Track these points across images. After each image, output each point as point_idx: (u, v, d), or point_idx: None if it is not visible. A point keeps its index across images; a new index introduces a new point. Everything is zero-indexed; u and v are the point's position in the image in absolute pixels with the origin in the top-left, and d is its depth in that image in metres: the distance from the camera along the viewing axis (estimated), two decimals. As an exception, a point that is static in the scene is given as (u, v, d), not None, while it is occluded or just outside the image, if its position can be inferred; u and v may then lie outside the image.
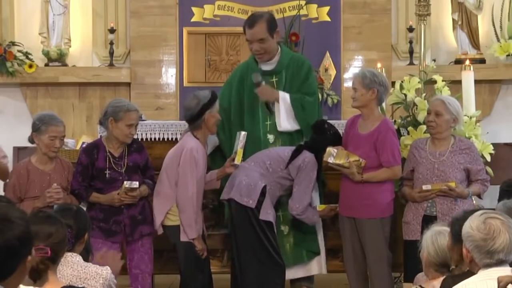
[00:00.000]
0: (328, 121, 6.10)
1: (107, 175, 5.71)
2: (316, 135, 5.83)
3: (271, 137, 6.03)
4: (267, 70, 6.08)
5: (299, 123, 5.99)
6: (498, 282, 3.03)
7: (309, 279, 6.09)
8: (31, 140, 5.75)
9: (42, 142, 5.65)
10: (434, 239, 4.08)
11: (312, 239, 5.98)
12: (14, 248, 2.23)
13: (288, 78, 6.03)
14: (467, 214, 3.69)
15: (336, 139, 5.83)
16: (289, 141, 6.00)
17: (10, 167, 6.19)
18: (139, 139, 6.35)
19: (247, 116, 6.06)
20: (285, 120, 5.96)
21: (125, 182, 5.65)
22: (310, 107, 6.01)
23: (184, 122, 6.04)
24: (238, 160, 5.84)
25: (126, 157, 5.76)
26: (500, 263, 3.19)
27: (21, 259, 2.27)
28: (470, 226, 3.23)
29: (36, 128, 5.67)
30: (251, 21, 6.01)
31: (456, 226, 3.74)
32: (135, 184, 5.66)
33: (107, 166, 5.72)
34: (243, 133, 5.90)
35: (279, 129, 5.99)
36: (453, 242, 3.80)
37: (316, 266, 6.00)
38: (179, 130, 6.35)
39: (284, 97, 5.96)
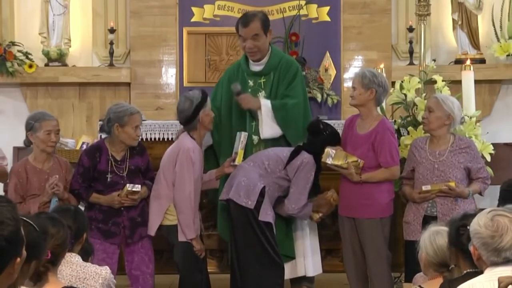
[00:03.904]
0: (326, 120, 6.09)
1: (108, 179, 5.70)
2: (312, 137, 5.82)
3: (255, 138, 6.03)
4: (256, 71, 6.09)
5: (284, 127, 5.98)
6: (499, 283, 3.03)
7: (309, 279, 6.09)
8: (27, 142, 5.75)
9: (39, 139, 5.66)
10: (432, 239, 4.08)
11: (289, 243, 5.97)
12: (1, 248, 2.22)
13: (276, 80, 6.04)
14: (465, 216, 3.68)
15: (333, 139, 5.81)
16: (275, 142, 6.00)
17: (9, 168, 6.19)
18: (139, 139, 6.33)
19: (235, 116, 6.07)
20: (268, 128, 5.96)
21: (127, 185, 5.64)
22: (293, 110, 5.99)
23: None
24: (239, 160, 5.84)
25: (128, 160, 5.75)
26: (507, 262, 3.18)
27: (9, 261, 2.25)
28: (478, 223, 3.22)
29: (30, 126, 5.68)
30: (246, 18, 6.04)
31: (452, 228, 3.74)
32: (138, 187, 5.65)
33: (109, 169, 5.71)
34: (243, 133, 5.90)
35: (262, 137, 5.99)
36: (448, 244, 3.80)
37: (289, 270, 5.95)
38: (178, 130, 6.35)
39: (266, 104, 5.97)
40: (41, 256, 2.66)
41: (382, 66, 7.21)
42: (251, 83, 6.08)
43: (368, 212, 5.69)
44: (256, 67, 6.10)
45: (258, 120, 6.00)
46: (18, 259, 2.28)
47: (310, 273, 6.04)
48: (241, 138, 5.88)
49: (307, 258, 6.02)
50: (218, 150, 6.13)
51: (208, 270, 5.96)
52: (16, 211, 2.31)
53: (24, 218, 2.66)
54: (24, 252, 2.31)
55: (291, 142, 5.98)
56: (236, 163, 5.85)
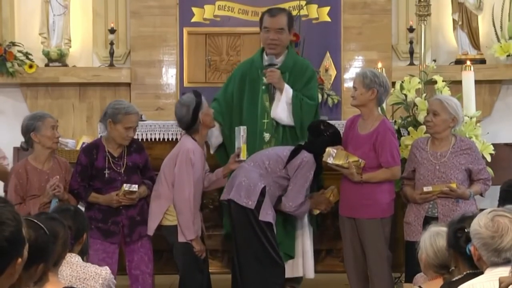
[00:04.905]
0: (327, 121, 6.09)
1: (106, 175, 5.70)
2: (313, 137, 5.82)
3: (267, 136, 6.04)
4: (269, 65, 6.07)
5: (295, 119, 5.99)
6: (500, 283, 3.02)
7: (296, 280, 6.08)
8: (26, 145, 5.74)
9: (45, 136, 5.66)
10: (432, 241, 4.07)
11: (290, 242, 5.97)
12: (2, 249, 2.21)
13: (291, 81, 6.05)
14: (462, 219, 3.68)
15: (334, 139, 5.81)
16: (284, 140, 6.01)
17: (10, 168, 6.20)
18: (139, 140, 6.34)
19: (246, 113, 6.06)
20: (282, 110, 5.98)
21: (124, 185, 5.64)
22: (307, 108, 6.02)
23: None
24: (243, 155, 5.81)
25: (125, 157, 5.76)
26: (507, 262, 3.17)
27: (10, 261, 2.24)
28: (478, 223, 3.22)
29: (33, 127, 5.67)
30: (273, 10, 6.14)
31: (450, 230, 3.73)
32: (134, 187, 5.65)
33: (106, 166, 5.71)
34: (242, 127, 5.88)
35: (272, 116, 5.99)
36: (447, 246, 3.79)
37: (289, 269, 5.95)
38: (179, 131, 6.34)
39: (288, 90, 5.99)
40: (49, 259, 2.65)
41: (380, 65, 7.21)
42: (265, 80, 6.07)
43: (369, 212, 5.69)
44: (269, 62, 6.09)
45: (271, 115, 6.01)
46: (20, 260, 2.27)
47: (310, 275, 6.03)
48: (241, 132, 5.87)
49: (307, 260, 6.02)
50: (228, 145, 6.10)
51: (209, 271, 5.95)
52: (17, 212, 2.30)
53: (35, 221, 2.66)
54: (25, 253, 2.30)
55: (300, 138, 5.97)
56: (241, 158, 5.84)
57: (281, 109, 5.98)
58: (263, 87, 6.08)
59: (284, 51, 6.11)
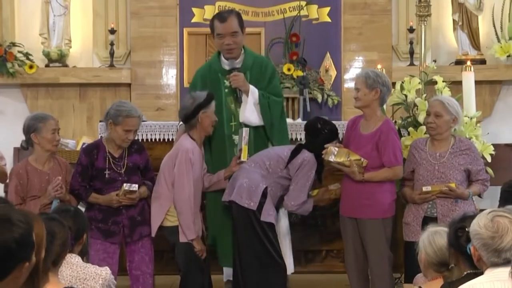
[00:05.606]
0: (323, 117, 6.08)
1: (106, 175, 5.70)
2: (311, 137, 5.82)
3: (236, 138, 6.02)
4: (232, 70, 6.05)
5: (264, 118, 5.98)
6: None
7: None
8: (26, 145, 5.73)
9: (45, 139, 5.65)
10: (431, 239, 4.08)
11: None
12: (10, 250, 2.18)
13: (253, 79, 6.03)
14: (463, 218, 3.67)
15: (333, 135, 5.82)
16: (257, 140, 5.99)
17: (9, 168, 6.19)
18: (140, 140, 6.34)
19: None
20: (250, 112, 5.95)
21: (124, 185, 5.64)
22: (275, 106, 6.02)
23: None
24: (244, 156, 5.82)
25: (126, 157, 5.76)
26: (507, 262, 3.17)
27: (17, 264, 2.22)
28: (478, 224, 3.22)
29: (34, 128, 5.66)
30: (222, 16, 6.05)
31: (451, 230, 3.73)
32: (134, 187, 5.65)
33: (107, 166, 5.71)
34: (245, 129, 5.89)
35: (240, 120, 5.98)
36: (448, 245, 3.79)
37: None
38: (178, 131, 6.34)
39: (254, 91, 5.97)
40: (47, 258, 2.63)
41: (379, 66, 7.21)
42: (227, 83, 6.05)
43: (370, 212, 5.69)
44: (231, 66, 6.07)
45: (238, 118, 5.99)
46: (27, 264, 2.24)
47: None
48: (243, 134, 5.87)
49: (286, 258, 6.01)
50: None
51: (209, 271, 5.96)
52: (28, 215, 2.27)
53: None
54: (34, 258, 2.28)
55: (269, 138, 5.97)
56: (242, 159, 5.84)
57: (249, 111, 5.96)
58: (226, 90, 6.06)
59: (242, 51, 6.10)
